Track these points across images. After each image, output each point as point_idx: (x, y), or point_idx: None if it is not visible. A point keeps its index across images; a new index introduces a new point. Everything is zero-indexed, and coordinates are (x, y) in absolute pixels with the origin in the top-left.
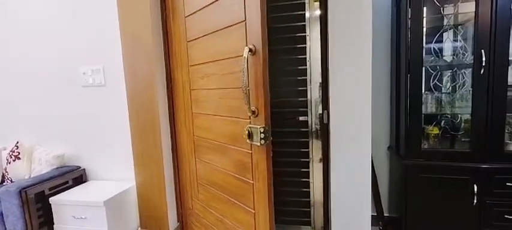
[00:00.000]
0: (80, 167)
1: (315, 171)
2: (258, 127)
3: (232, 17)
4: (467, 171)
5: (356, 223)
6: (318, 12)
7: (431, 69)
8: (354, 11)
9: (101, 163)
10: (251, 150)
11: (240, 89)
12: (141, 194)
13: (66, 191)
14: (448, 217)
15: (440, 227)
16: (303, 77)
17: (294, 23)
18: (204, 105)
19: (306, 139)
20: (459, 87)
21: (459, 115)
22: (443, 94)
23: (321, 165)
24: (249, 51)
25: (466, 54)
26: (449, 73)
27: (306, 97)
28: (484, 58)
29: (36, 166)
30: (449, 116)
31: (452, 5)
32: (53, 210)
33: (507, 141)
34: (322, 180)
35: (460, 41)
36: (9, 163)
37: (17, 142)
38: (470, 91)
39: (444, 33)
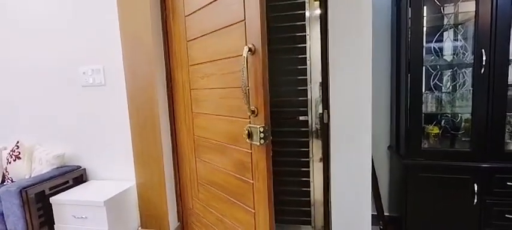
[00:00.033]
0: (80, 167)
1: (315, 171)
2: (258, 126)
3: (232, 16)
4: (468, 170)
5: (356, 223)
6: (318, 11)
7: (432, 69)
8: (354, 10)
9: (101, 162)
10: (251, 149)
11: (240, 89)
12: (141, 193)
13: (67, 191)
14: (449, 216)
15: (440, 227)
16: (303, 77)
17: (294, 22)
18: (204, 105)
19: (306, 139)
20: (459, 86)
21: (459, 115)
22: (444, 94)
23: (321, 165)
24: (249, 50)
25: (467, 54)
26: (449, 73)
27: (306, 96)
28: (484, 58)
29: (36, 165)
30: (449, 115)
31: (453, 4)
32: (53, 210)
33: (507, 140)
34: (322, 180)
35: (461, 40)
36: (10, 163)
37: (18, 142)
38: (471, 91)
39: (444, 33)
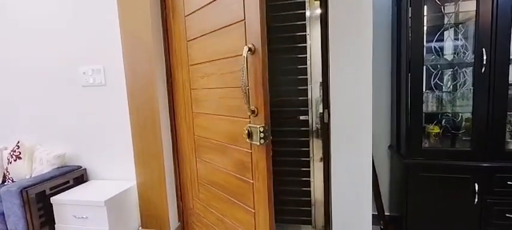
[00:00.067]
0: (81, 167)
1: (316, 170)
2: (258, 126)
3: (232, 16)
4: (468, 170)
5: (357, 222)
6: (318, 11)
7: (432, 68)
8: (354, 10)
9: (102, 162)
10: (251, 149)
11: (240, 88)
12: (141, 193)
13: (67, 191)
14: (449, 215)
15: (441, 226)
16: (303, 76)
17: (295, 22)
18: (204, 105)
19: (306, 138)
20: (460, 85)
21: (460, 114)
22: (444, 93)
23: (321, 164)
24: (249, 50)
25: (467, 53)
26: (450, 72)
27: (307, 96)
28: (485, 57)
29: (37, 165)
30: (450, 115)
31: (453, 3)
32: (54, 210)
33: (508, 140)
34: (322, 179)
35: (461, 39)
36: (10, 163)
37: (18, 142)
38: (471, 90)
39: (445, 32)
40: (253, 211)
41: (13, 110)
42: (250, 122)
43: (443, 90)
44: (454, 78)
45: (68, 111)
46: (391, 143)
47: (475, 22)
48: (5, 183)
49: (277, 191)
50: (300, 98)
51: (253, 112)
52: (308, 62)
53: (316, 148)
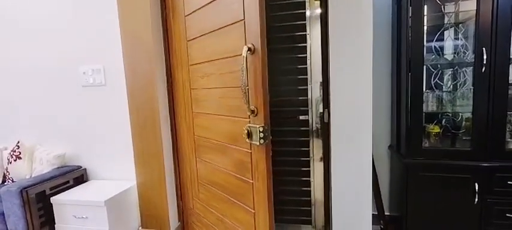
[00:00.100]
0: (81, 167)
1: (316, 170)
2: (257, 126)
3: (231, 16)
4: (468, 170)
5: (357, 222)
6: (318, 10)
7: (432, 68)
8: (354, 9)
9: (102, 162)
10: (251, 149)
11: (240, 88)
12: (141, 193)
13: (67, 191)
14: (449, 215)
15: (441, 226)
16: (303, 76)
17: (295, 21)
18: (204, 105)
19: (306, 138)
20: (460, 85)
21: (460, 114)
22: (444, 93)
23: (321, 164)
24: (248, 50)
25: (467, 53)
26: (450, 72)
27: (307, 96)
28: (485, 57)
29: (37, 165)
30: (450, 114)
31: (453, 3)
32: (54, 210)
33: (508, 139)
34: (322, 179)
35: (461, 39)
36: (10, 163)
37: (18, 142)
38: (471, 90)
39: (445, 32)
40: (253, 211)
41: (13, 110)
42: (250, 122)
43: (444, 89)
44: (454, 77)
45: (68, 111)
46: (391, 143)
47: (475, 22)
48: (5, 183)
49: (277, 191)
50: (300, 98)
51: (252, 112)
52: (308, 62)
53: (316, 148)
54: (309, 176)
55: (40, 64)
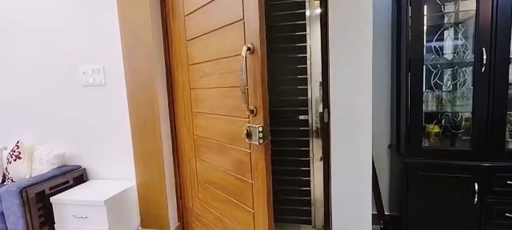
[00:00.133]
0: (81, 166)
1: (316, 170)
2: (257, 126)
3: (231, 16)
4: (468, 169)
5: (357, 222)
6: (318, 10)
7: (432, 68)
8: (354, 9)
9: (102, 162)
10: (250, 149)
11: (239, 88)
12: (141, 193)
13: (67, 190)
14: (449, 215)
15: (441, 226)
16: (303, 76)
17: (294, 21)
18: (204, 104)
19: (306, 138)
20: (460, 85)
21: (460, 114)
22: (444, 93)
23: (321, 164)
24: (247, 50)
25: (467, 52)
26: (450, 72)
27: (307, 95)
28: (484, 57)
29: (36, 165)
30: (450, 114)
31: (453, 3)
32: (53, 209)
33: (508, 139)
34: (322, 179)
35: (461, 39)
36: (10, 162)
37: (18, 142)
38: (471, 90)
39: (445, 31)
40: (252, 211)
41: (13, 110)
42: (249, 122)
43: (443, 89)
44: (454, 77)
45: (67, 111)
46: (391, 143)
47: (475, 21)
48: (5, 183)
49: (277, 191)
50: (300, 98)
51: (252, 112)
52: (308, 62)
53: (316, 147)
54: (309, 176)
55: (40, 64)
